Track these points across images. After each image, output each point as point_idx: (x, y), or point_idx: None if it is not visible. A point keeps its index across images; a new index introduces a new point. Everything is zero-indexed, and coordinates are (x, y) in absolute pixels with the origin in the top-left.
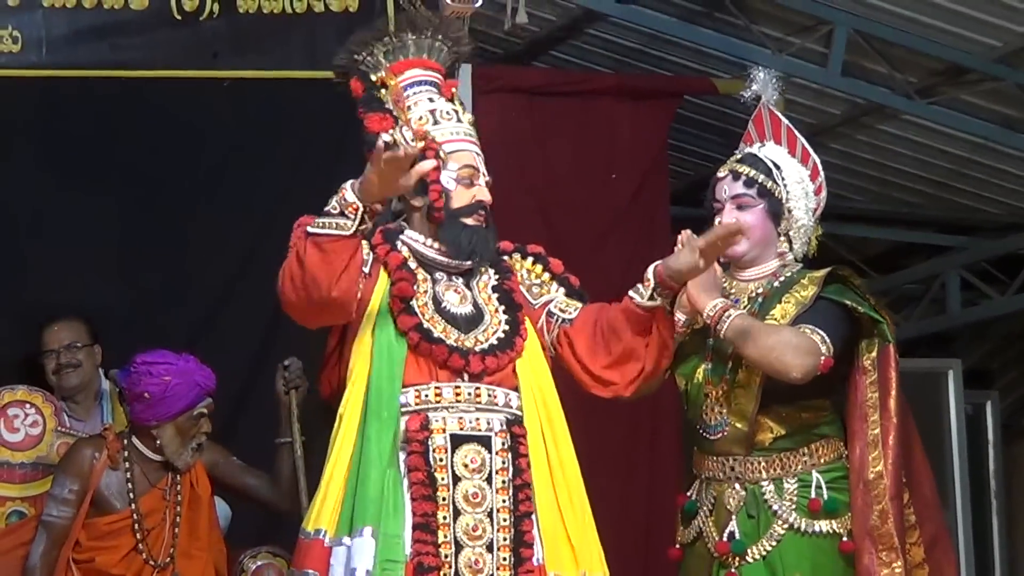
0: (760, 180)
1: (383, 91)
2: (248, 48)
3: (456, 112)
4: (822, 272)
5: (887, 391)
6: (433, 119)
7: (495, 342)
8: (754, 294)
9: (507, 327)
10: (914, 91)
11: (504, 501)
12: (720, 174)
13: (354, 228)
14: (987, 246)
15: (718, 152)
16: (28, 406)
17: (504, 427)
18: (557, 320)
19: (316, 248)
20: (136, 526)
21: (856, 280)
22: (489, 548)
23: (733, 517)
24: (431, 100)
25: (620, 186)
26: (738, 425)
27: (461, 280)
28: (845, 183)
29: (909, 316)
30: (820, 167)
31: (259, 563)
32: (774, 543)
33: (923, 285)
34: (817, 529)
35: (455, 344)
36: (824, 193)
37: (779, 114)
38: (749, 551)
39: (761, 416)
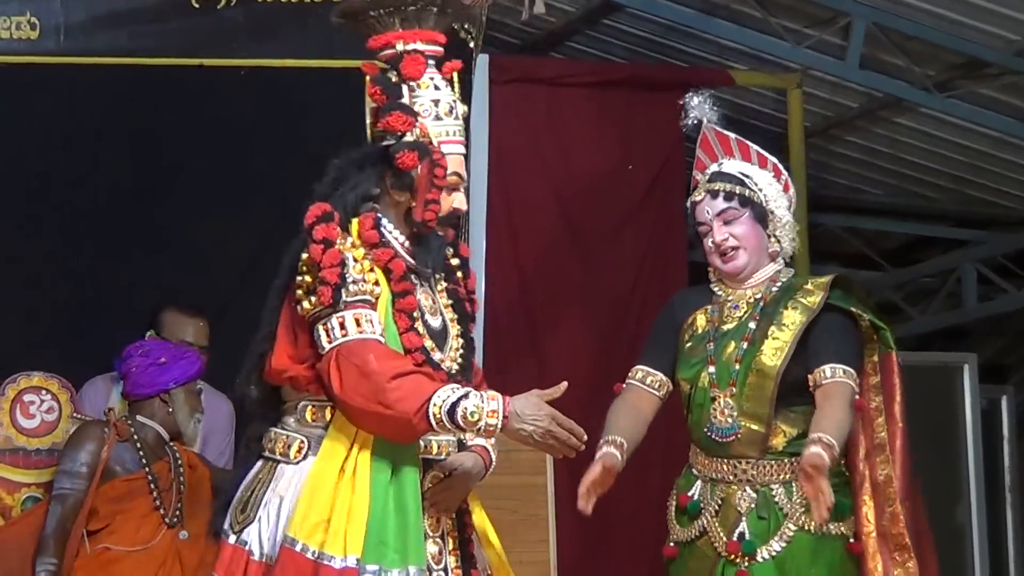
0: (738, 191)
1: (393, 73)
2: (266, 36)
3: (454, 105)
4: (826, 278)
5: (891, 396)
6: (435, 113)
7: (459, 364)
8: (753, 299)
9: (463, 345)
10: (932, 84)
11: (451, 522)
12: (696, 198)
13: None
14: (1004, 240)
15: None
16: (44, 392)
17: (455, 448)
18: None
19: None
20: (152, 486)
21: (857, 288)
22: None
23: (743, 518)
24: (436, 88)
25: (636, 177)
26: (753, 427)
27: (426, 284)
28: (862, 176)
29: (925, 310)
30: (780, 166)
31: None
32: (784, 543)
33: (939, 279)
34: (826, 531)
35: (441, 365)
36: (792, 191)
37: (723, 131)
38: (759, 551)
39: (777, 419)
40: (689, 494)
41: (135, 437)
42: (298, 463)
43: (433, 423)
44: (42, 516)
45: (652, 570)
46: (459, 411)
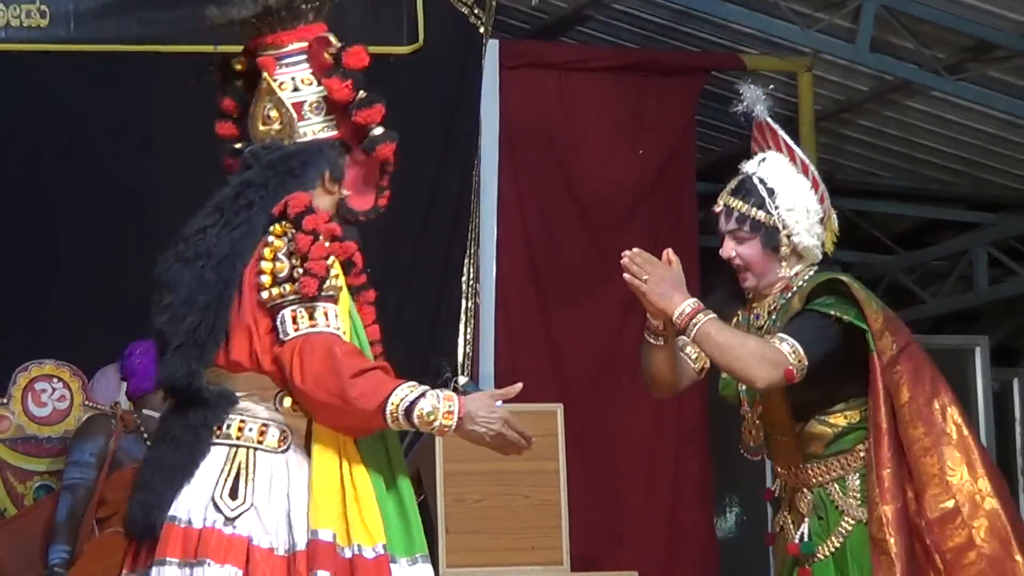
0: (752, 215)
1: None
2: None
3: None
4: (813, 284)
5: (875, 400)
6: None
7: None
8: (772, 308)
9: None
10: (942, 67)
11: None
12: (716, 207)
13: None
14: (1015, 223)
15: (745, 128)
16: (56, 380)
17: None
18: None
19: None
20: None
21: (854, 285)
22: None
23: (805, 520)
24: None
25: (647, 162)
26: (783, 439)
27: None
28: (873, 159)
29: (936, 293)
30: (818, 178)
31: None
32: (842, 539)
33: (950, 262)
34: None
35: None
36: (827, 202)
37: (774, 126)
38: (819, 549)
39: (806, 428)
40: (772, 488)
41: (141, 428)
42: (284, 452)
43: (389, 420)
44: (53, 505)
45: (666, 554)
46: (416, 410)
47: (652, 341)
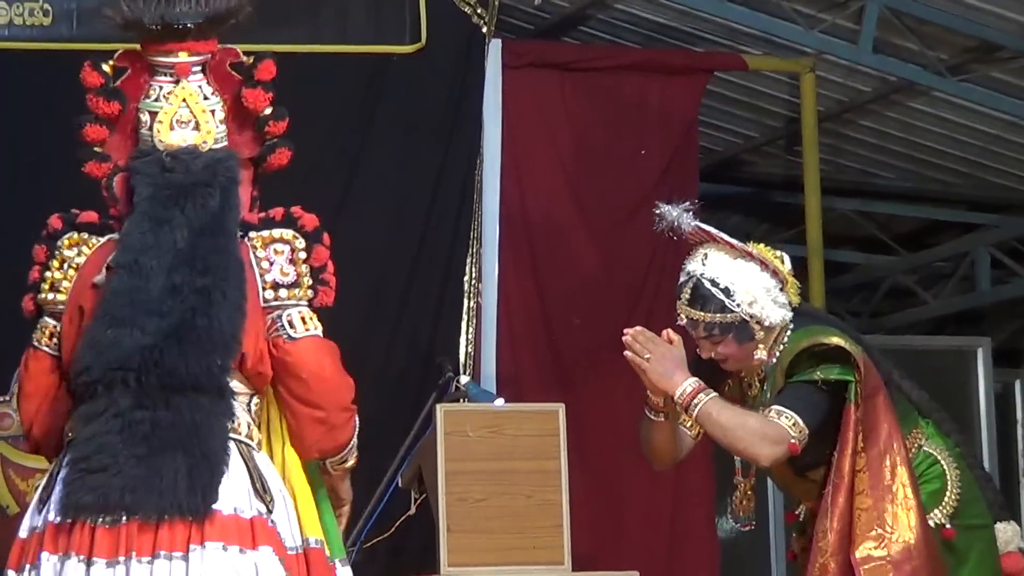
0: (718, 321)
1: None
2: (278, 21)
3: None
4: (789, 356)
5: (842, 449)
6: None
7: None
8: (760, 376)
9: None
10: (945, 68)
11: None
12: (680, 319)
13: None
14: (1018, 224)
15: (748, 129)
16: None
17: None
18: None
19: None
20: None
21: (831, 339)
22: None
23: None
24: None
25: (649, 162)
26: (796, 488)
27: None
28: (875, 160)
29: (938, 294)
30: (763, 258)
31: None
32: None
33: (953, 263)
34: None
35: None
36: (778, 266)
37: (707, 227)
38: None
39: (814, 475)
40: (796, 512)
41: None
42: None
43: (342, 454)
44: None
45: (667, 554)
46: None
47: (652, 417)
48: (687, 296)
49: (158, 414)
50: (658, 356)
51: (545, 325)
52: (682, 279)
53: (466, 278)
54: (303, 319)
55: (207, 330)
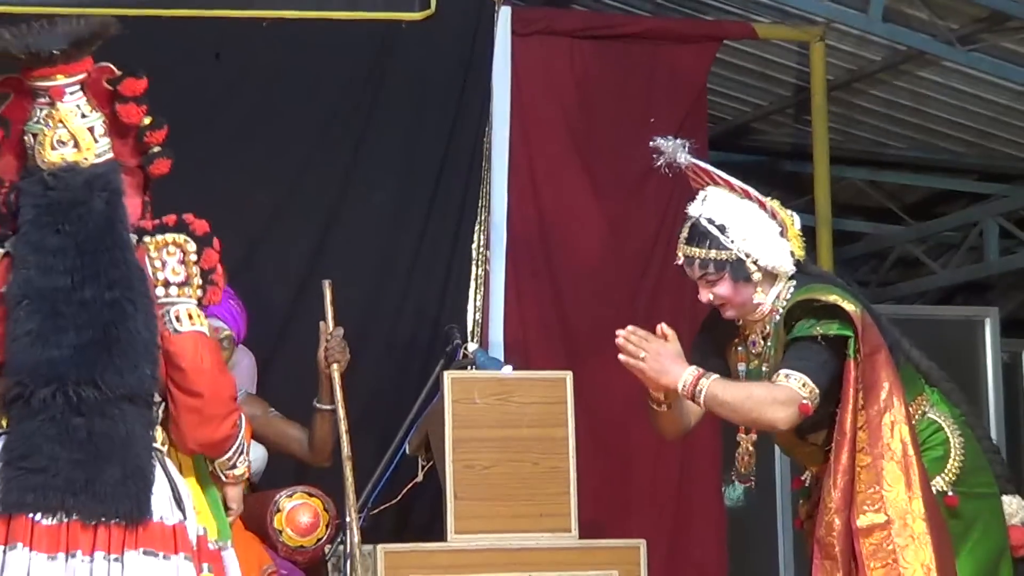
0: (712, 257)
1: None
2: None
3: None
4: (787, 307)
5: (844, 406)
6: None
7: None
8: (764, 333)
9: None
10: (955, 38)
11: None
12: (678, 259)
13: None
14: None
15: (757, 97)
16: None
17: None
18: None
19: None
20: None
21: (831, 296)
22: None
23: None
24: None
25: (658, 130)
26: (800, 451)
27: None
28: (884, 130)
29: (947, 264)
30: (762, 198)
31: (295, 503)
32: None
33: (961, 233)
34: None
35: None
36: (781, 212)
37: (705, 165)
38: None
39: (818, 437)
40: (802, 478)
41: None
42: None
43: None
44: None
45: (673, 523)
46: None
47: (656, 408)
48: (685, 235)
49: (94, 422)
50: (653, 354)
51: (553, 293)
52: (684, 222)
53: (474, 245)
54: (190, 315)
55: (130, 341)
